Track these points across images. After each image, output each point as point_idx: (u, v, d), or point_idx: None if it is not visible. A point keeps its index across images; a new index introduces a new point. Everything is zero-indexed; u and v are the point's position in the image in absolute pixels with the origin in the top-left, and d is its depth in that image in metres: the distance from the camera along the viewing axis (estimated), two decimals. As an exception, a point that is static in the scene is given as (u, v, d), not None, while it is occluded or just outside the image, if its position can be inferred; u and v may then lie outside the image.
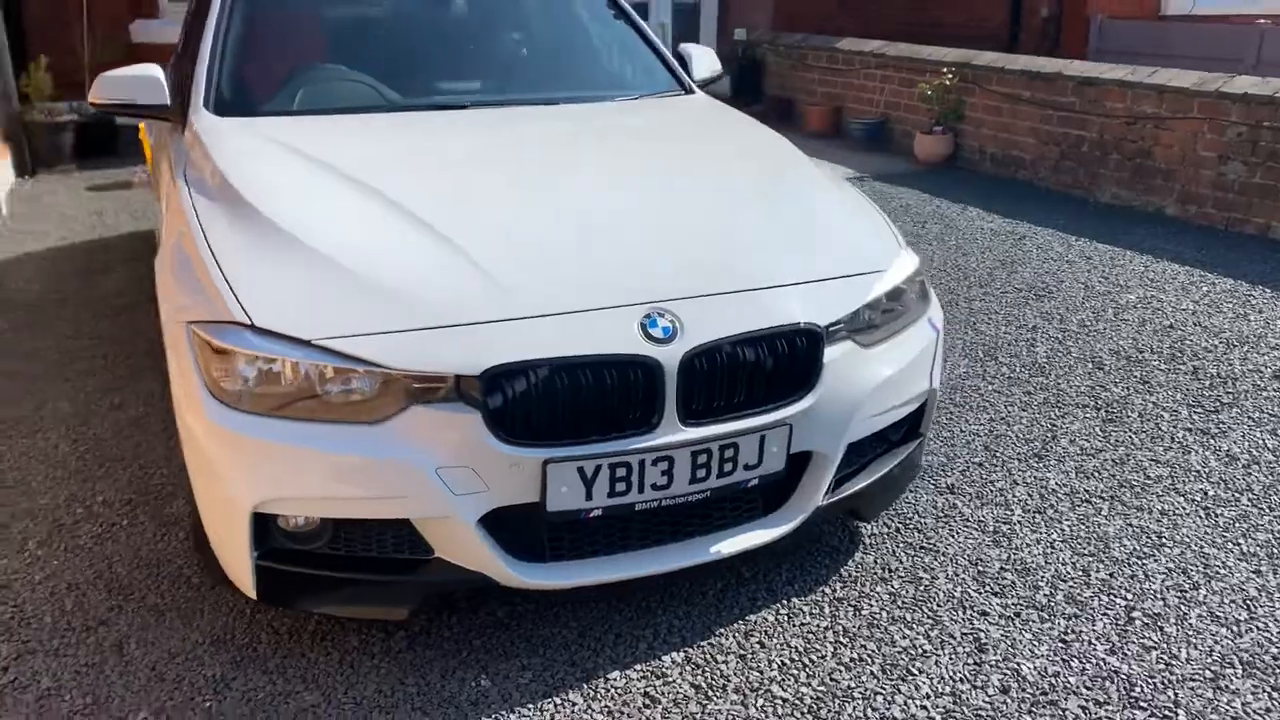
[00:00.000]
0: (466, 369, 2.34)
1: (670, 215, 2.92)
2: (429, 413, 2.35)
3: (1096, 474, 3.54)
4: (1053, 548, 3.11)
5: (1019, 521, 3.25)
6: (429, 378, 2.35)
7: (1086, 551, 3.09)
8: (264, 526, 2.45)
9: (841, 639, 2.70)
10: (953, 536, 3.16)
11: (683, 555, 2.62)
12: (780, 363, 2.58)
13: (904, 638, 2.70)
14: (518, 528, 2.48)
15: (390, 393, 2.36)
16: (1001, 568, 3.01)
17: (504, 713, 2.44)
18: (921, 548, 3.10)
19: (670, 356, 2.44)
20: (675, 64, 4.23)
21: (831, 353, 2.65)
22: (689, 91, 4.14)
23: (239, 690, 2.50)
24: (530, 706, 2.46)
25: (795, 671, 2.58)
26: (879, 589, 2.90)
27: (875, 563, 3.02)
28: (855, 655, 2.63)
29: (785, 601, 2.84)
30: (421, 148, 3.37)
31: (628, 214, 2.91)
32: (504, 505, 2.42)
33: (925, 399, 3.00)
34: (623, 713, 2.44)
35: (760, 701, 2.48)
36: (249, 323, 2.42)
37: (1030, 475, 3.53)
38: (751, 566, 2.97)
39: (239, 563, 2.48)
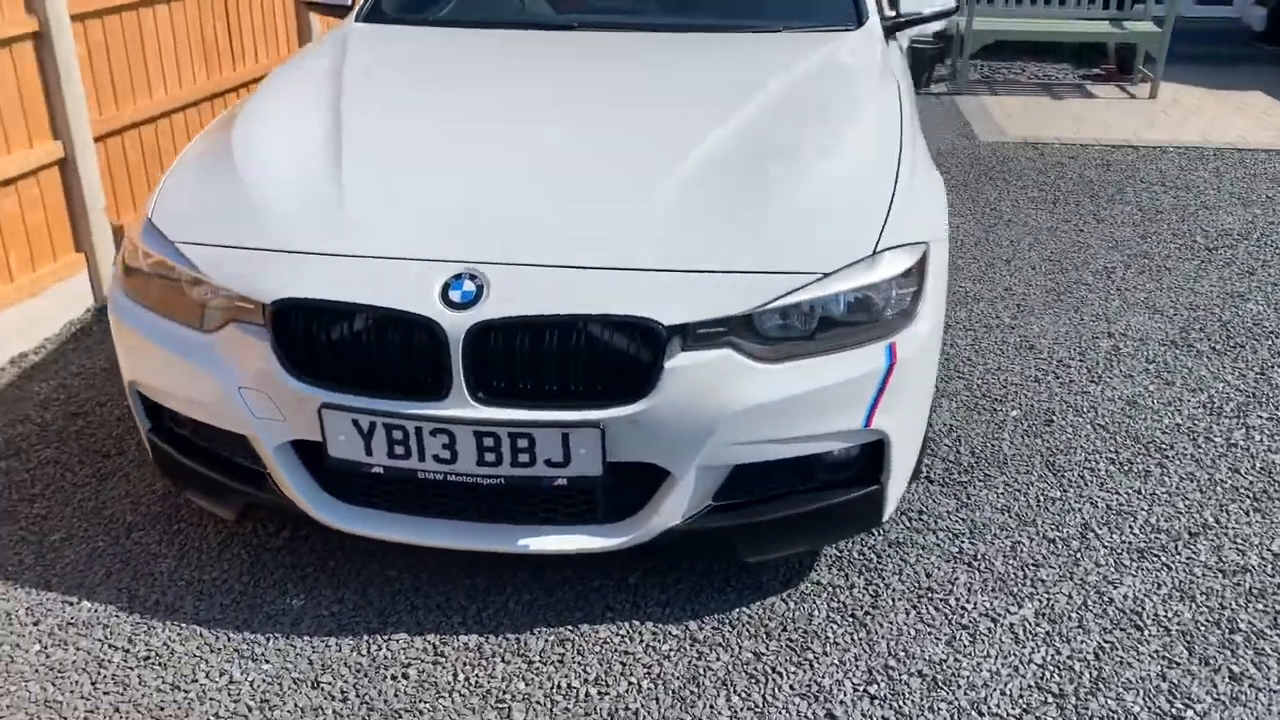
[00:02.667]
0: (265, 296, 2.33)
1: (603, 177, 2.55)
2: (240, 333, 2.38)
3: None
4: None
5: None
6: (242, 298, 2.37)
7: None
8: (153, 403, 2.66)
9: (653, 672, 2.34)
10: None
11: (485, 538, 2.42)
12: (601, 357, 2.24)
13: (727, 705, 2.29)
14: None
15: (218, 306, 2.42)
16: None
17: (297, 629, 2.47)
18: (854, 618, 2.55)
19: (458, 324, 2.22)
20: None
21: (686, 359, 2.24)
22: (858, 26, 3.52)
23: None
24: (322, 634, 2.46)
25: (570, 689, 2.30)
26: (745, 644, 2.46)
27: (788, 614, 2.56)
28: (650, 684, 2.28)
29: (640, 623, 2.51)
30: (482, 72, 3.23)
31: (556, 169, 2.57)
32: (300, 439, 2.39)
33: (875, 441, 2.42)
34: (401, 662, 2.36)
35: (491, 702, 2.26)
36: (148, 216, 2.61)
37: None
38: (664, 584, 2.66)
39: (142, 431, 2.74)
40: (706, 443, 2.28)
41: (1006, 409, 3.46)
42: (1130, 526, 2.87)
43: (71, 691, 2.31)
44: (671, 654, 2.42)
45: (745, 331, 2.29)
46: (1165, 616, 2.54)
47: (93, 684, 2.33)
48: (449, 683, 2.34)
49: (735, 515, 2.43)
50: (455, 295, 2.24)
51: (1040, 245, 4.88)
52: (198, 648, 2.44)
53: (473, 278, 2.26)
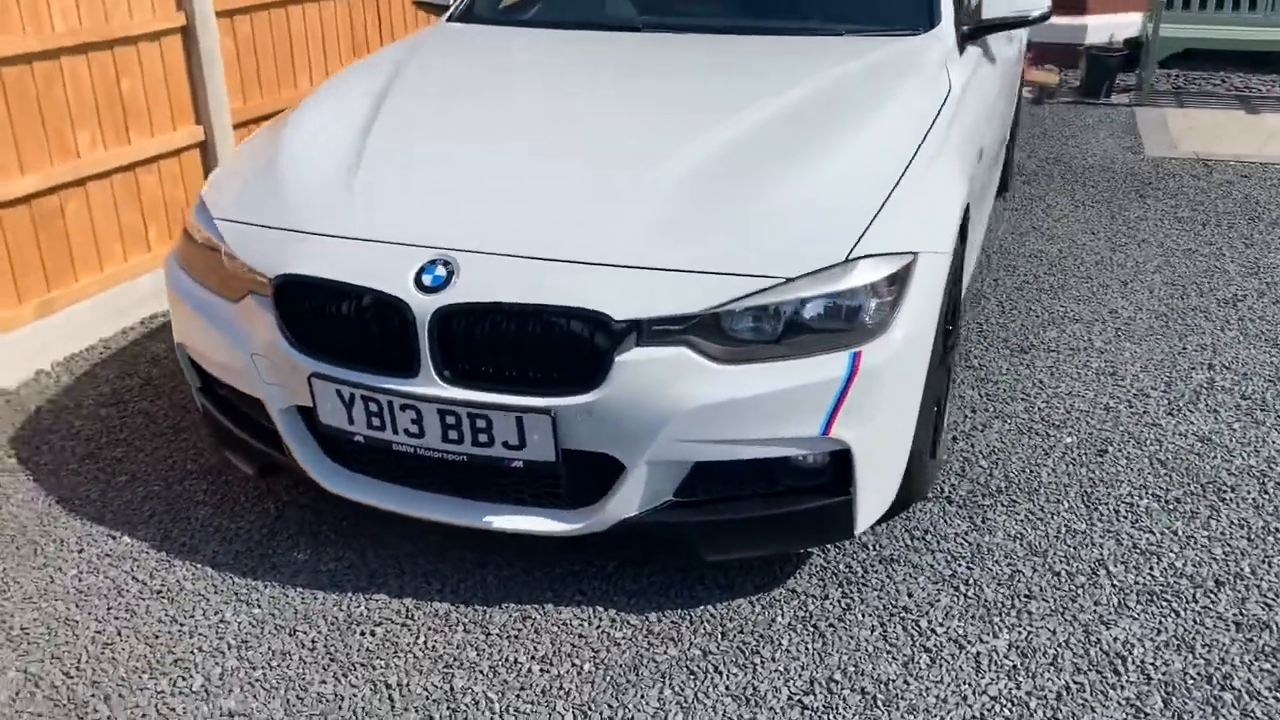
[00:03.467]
0: (271, 271, 2.53)
1: (594, 173, 2.59)
2: (255, 304, 2.60)
3: None
4: None
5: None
6: (256, 271, 2.58)
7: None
8: (198, 364, 2.93)
9: (599, 657, 2.40)
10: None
11: (456, 511, 2.54)
12: (555, 347, 2.31)
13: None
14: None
15: (241, 278, 2.64)
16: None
17: (294, 581, 2.67)
18: (816, 628, 2.52)
19: (426, 307, 2.35)
20: (942, 1, 3.48)
21: (641, 353, 2.29)
22: (928, 29, 3.41)
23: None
24: (314, 587, 2.65)
25: (515, 663, 2.39)
26: (710, 642, 2.48)
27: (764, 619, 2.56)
28: (591, 668, 2.34)
29: (603, 609, 2.57)
30: (528, 72, 3.29)
31: (553, 164, 2.65)
32: (301, 405, 2.59)
33: (838, 451, 2.39)
34: (374, 620, 2.52)
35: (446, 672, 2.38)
36: (201, 193, 2.88)
37: None
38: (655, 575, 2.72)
39: (192, 389, 3.02)
40: (657, 438, 2.32)
41: (1061, 435, 3.29)
42: (1150, 568, 2.69)
43: (89, 614, 2.59)
44: (622, 641, 2.47)
45: (705, 331, 2.31)
46: (1151, 665, 2.38)
47: (108, 609, 2.61)
48: (409, 644, 2.48)
49: (696, 512, 2.46)
50: (427, 279, 2.37)
51: (1169, 268, 4.57)
52: (205, 587, 2.67)
53: (445, 264, 2.39)
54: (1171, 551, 2.76)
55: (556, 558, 2.74)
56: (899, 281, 2.41)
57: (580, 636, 2.49)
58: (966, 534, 2.83)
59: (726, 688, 2.34)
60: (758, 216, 2.44)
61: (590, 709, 2.29)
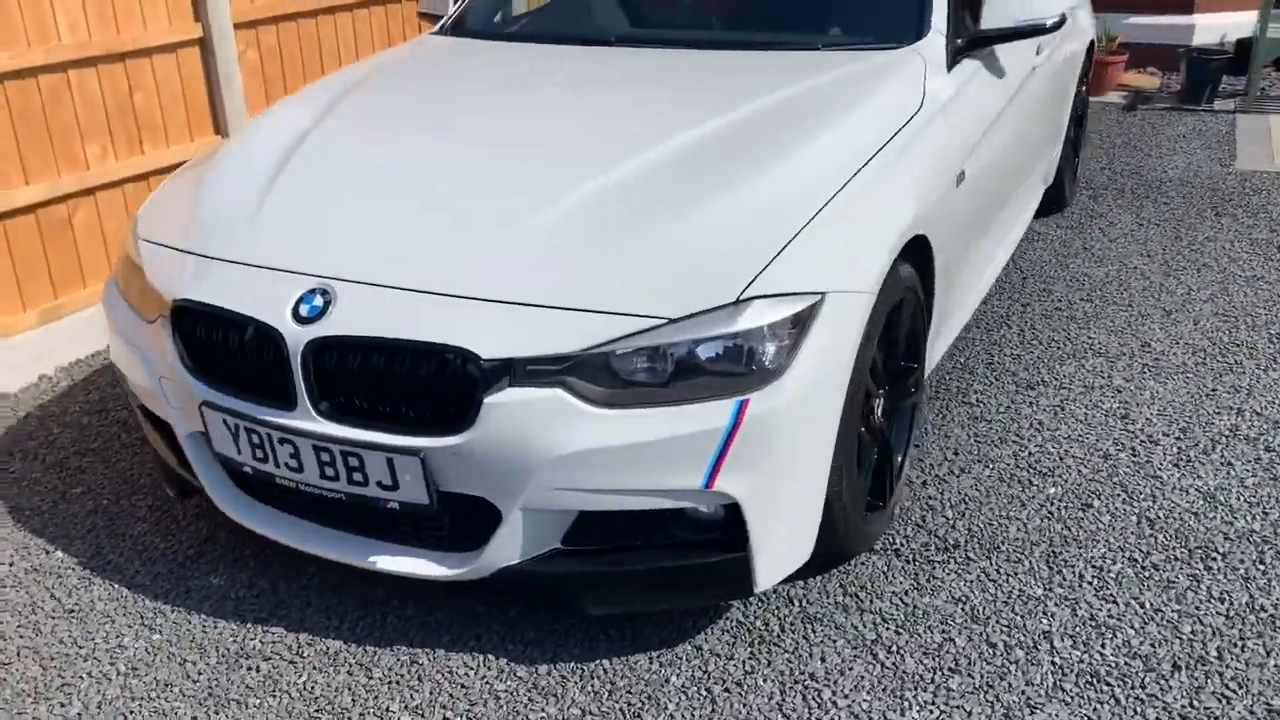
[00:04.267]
0: (170, 294, 2.50)
1: (494, 203, 2.46)
2: (162, 327, 2.57)
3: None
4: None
5: None
6: (160, 293, 2.56)
7: None
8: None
9: (474, 711, 2.29)
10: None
11: (344, 550, 2.46)
12: (424, 384, 2.21)
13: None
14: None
15: (154, 300, 2.62)
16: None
17: (200, 607, 2.65)
18: (709, 692, 2.35)
19: (299, 338, 2.27)
20: (932, 11, 3.21)
21: (513, 395, 2.16)
22: (914, 42, 3.15)
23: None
24: (217, 615, 2.62)
25: (387, 711, 2.30)
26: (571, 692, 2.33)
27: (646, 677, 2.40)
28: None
29: (495, 658, 2.46)
30: (475, 91, 3.17)
31: (457, 193, 2.52)
32: (202, 431, 2.55)
33: (730, 505, 2.22)
34: (263, 655, 2.48)
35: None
36: (137, 215, 2.88)
37: None
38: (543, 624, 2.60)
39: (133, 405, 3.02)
40: (529, 484, 2.19)
41: (1044, 485, 3.01)
42: (1102, 645, 2.42)
43: (-2, 631, 2.62)
44: (502, 695, 2.35)
45: (585, 372, 2.17)
46: (1069, 759, 2.14)
47: (17, 627, 2.62)
48: (289, 683, 2.41)
49: (583, 562, 2.32)
50: (304, 309, 2.30)
51: (1224, 297, 4.18)
52: (115, 609, 2.67)
53: (324, 294, 2.31)
54: (1131, 627, 2.48)
55: (462, 599, 2.64)
56: (801, 324, 2.22)
57: (462, 686, 2.38)
58: (905, 594, 2.61)
59: (593, 754, 2.20)
60: (651, 252, 2.28)
61: (448, 767, 2.18)
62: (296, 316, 2.29)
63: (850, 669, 2.39)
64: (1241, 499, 2.93)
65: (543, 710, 2.31)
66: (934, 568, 2.70)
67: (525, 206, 2.42)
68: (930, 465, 3.13)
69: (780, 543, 2.32)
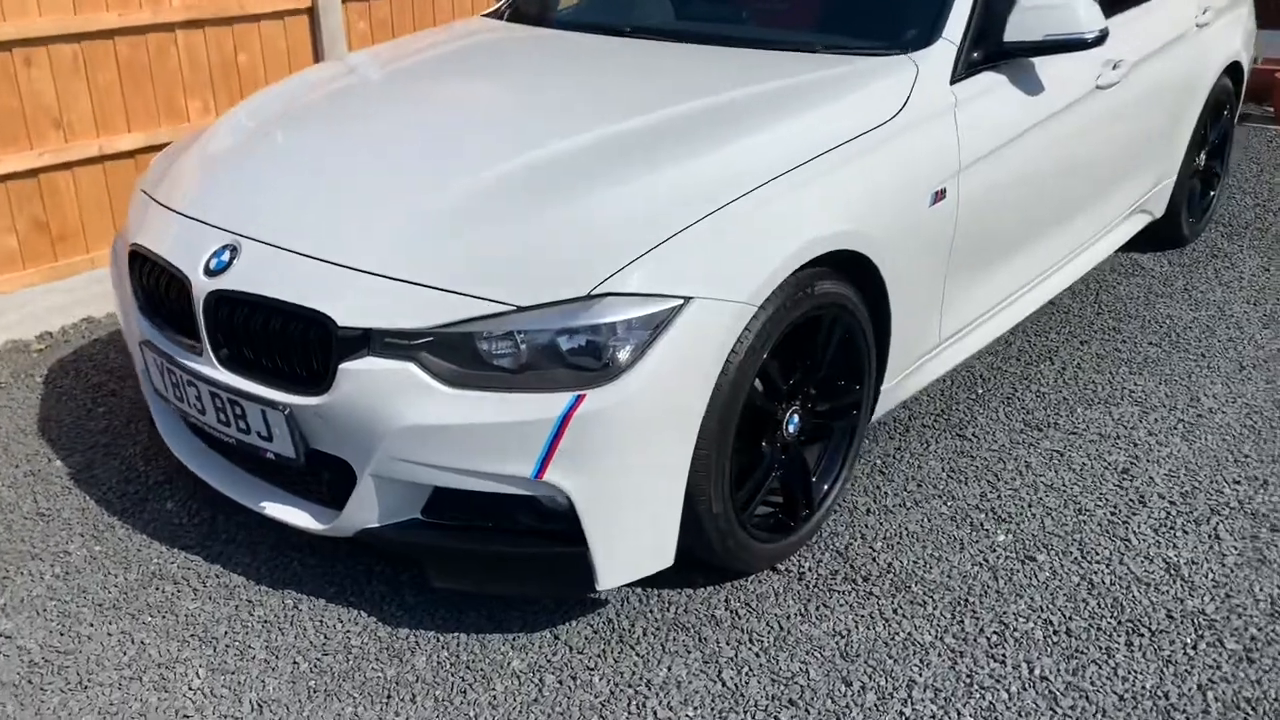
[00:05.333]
0: (132, 237, 2.73)
1: (409, 178, 2.53)
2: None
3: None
4: None
5: None
6: (127, 238, 2.79)
7: None
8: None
9: (309, 657, 2.40)
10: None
11: (244, 491, 2.63)
12: (294, 344, 2.32)
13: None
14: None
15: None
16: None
17: (139, 525, 2.88)
18: (539, 687, 2.36)
19: (203, 288, 2.43)
20: (947, 19, 3.02)
21: (369, 363, 2.24)
22: (919, 49, 2.97)
23: None
24: (151, 536, 2.84)
25: (245, 648, 2.45)
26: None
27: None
28: (298, 666, 2.36)
29: (366, 614, 2.56)
30: (455, 70, 3.24)
31: (381, 165, 2.60)
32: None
33: (561, 496, 2.22)
34: (167, 578, 2.69)
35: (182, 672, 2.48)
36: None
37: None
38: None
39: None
40: (376, 452, 2.27)
41: (996, 531, 2.82)
42: (962, 704, 2.27)
43: (-22, 522, 2.94)
44: (354, 650, 2.44)
45: (440, 350, 2.22)
46: (862, 813, 2.02)
47: (-8, 522, 2.94)
48: (182, 608, 2.59)
49: (437, 535, 2.39)
50: (213, 263, 2.45)
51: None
52: (77, 518, 2.94)
53: (233, 249, 2.46)
54: (1007, 691, 2.30)
55: (365, 556, 2.75)
56: (656, 325, 2.19)
57: (324, 637, 2.49)
58: (788, 618, 2.52)
59: (401, 718, 2.26)
60: (522, 239, 2.30)
61: (269, 707, 2.29)
62: (207, 268, 2.46)
63: (689, 683, 2.34)
64: (1209, 578, 2.65)
65: (381, 670, 2.39)
66: (832, 596, 2.59)
67: (429, 185, 2.48)
68: (887, 494, 2.98)
69: (625, 543, 2.30)
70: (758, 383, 2.49)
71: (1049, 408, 3.43)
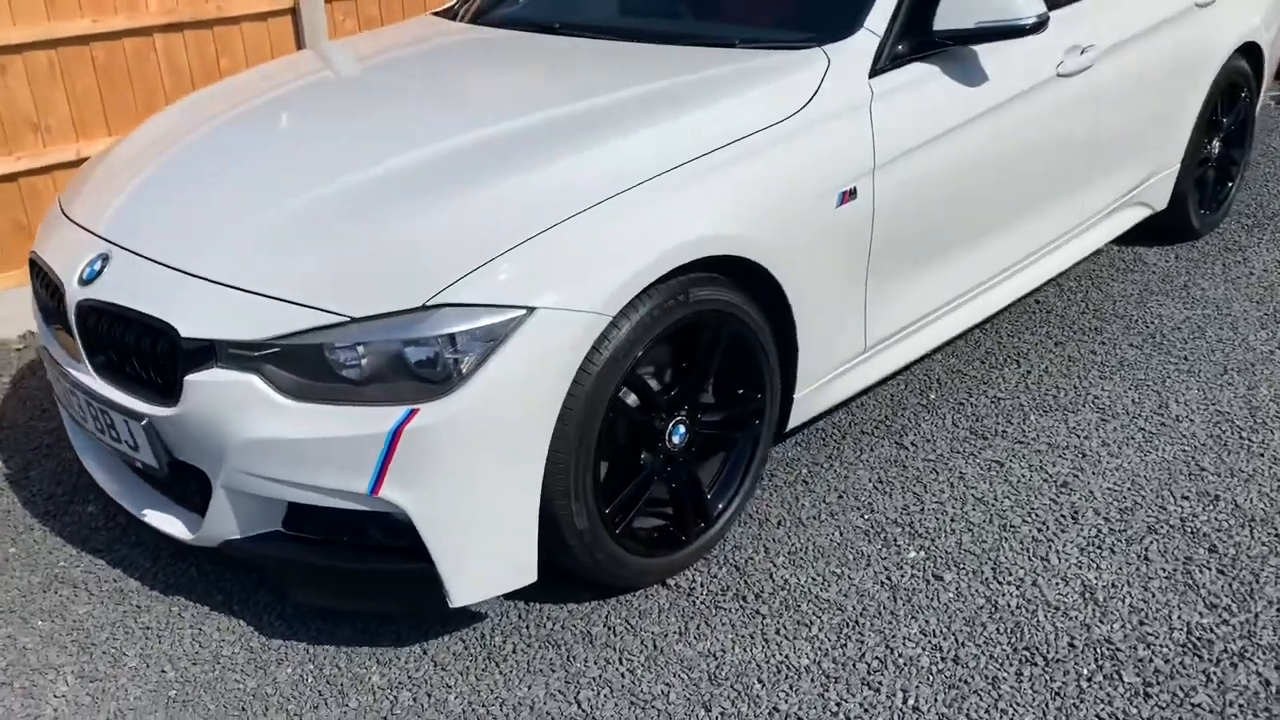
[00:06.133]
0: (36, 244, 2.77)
1: (277, 180, 2.50)
2: (36, 275, 2.85)
3: None
4: None
5: None
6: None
7: None
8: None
9: (154, 648, 2.40)
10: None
11: (130, 496, 2.64)
12: (148, 355, 2.32)
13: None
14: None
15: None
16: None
17: (56, 527, 2.93)
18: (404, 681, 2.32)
19: (74, 297, 2.44)
20: (870, 9, 2.85)
21: (215, 375, 2.22)
22: (837, 40, 2.82)
23: None
24: (63, 538, 2.89)
25: (117, 654, 2.46)
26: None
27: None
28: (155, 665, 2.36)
29: (242, 622, 2.55)
30: (376, 69, 3.20)
31: (262, 174, 2.56)
32: (54, 372, 2.81)
33: (399, 512, 2.17)
34: (67, 582, 2.72)
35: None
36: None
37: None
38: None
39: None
40: (223, 464, 2.25)
41: (909, 548, 2.68)
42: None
43: (-90, 522, 3.02)
44: (223, 659, 2.43)
45: (283, 361, 2.19)
46: None
47: (-78, 521, 3.02)
48: (71, 612, 2.61)
49: (296, 549, 2.36)
50: (86, 271, 2.46)
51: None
52: (2, 519, 3.00)
53: (105, 258, 2.46)
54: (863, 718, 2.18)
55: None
56: (495, 337, 2.12)
57: (198, 645, 2.49)
58: (664, 636, 2.43)
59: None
60: (366, 248, 2.25)
61: (124, 717, 2.30)
62: (81, 277, 2.47)
63: (544, 705, 2.27)
64: (1127, 603, 2.47)
65: (243, 682, 2.37)
66: (716, 614, 2.49)
67: (284, 195, 2.43)
68: (804, 505, 2.86)
69: (477, 559, 2.24)
70: (630, 393, 2.41)
71: (1002, 415, 3.26)
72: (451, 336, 2.11)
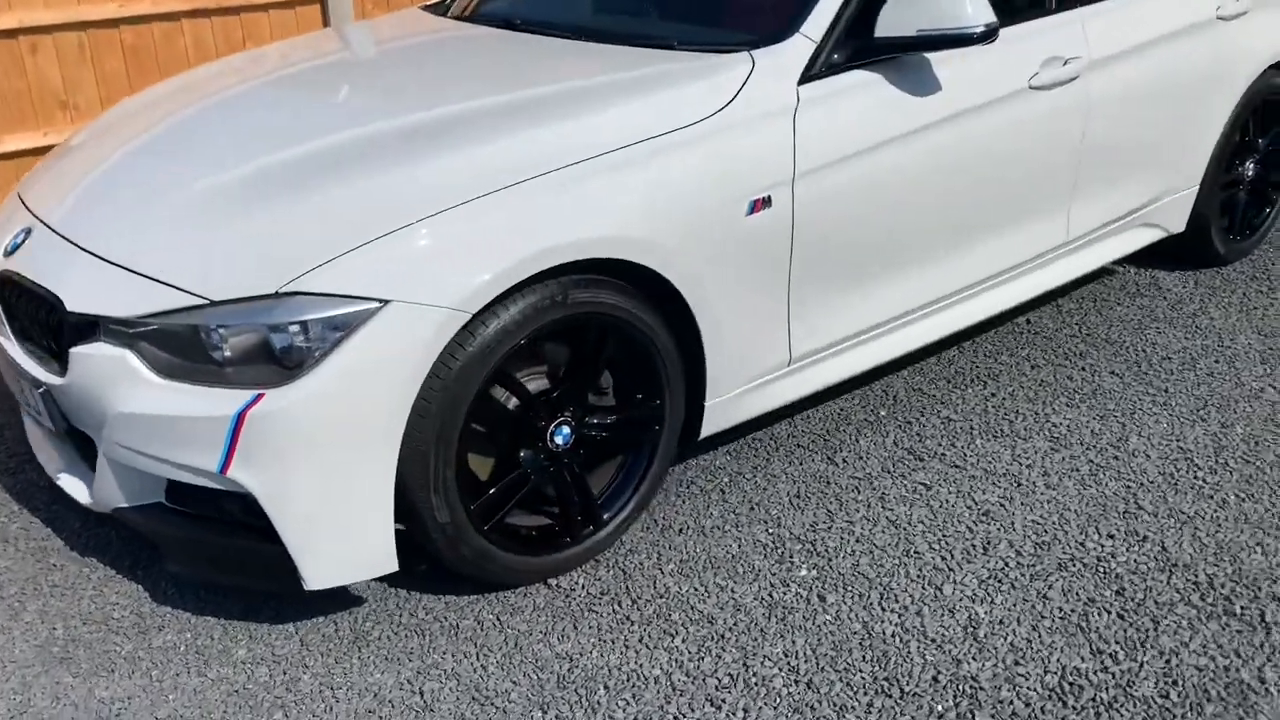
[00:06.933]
0: (-13, 219, 2.92)
1: (194, 165, 2.57)
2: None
3: None
4: None
5: None
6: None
7: None
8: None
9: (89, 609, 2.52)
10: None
11: (50, 459, 2.74)
12: (46, 324, 2.43)
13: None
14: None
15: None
16: None
17: (24, 498, 3.09)
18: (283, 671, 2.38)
19: (-1, 267, 2.58)
20: (809, 15, 2.78)
21: (98, 349, 2.31)
22: (771, 44, 2.75)
23: None
24: (33, 507, 3.04)
25: (68, 628, 2.59)
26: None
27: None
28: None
29: (154, 592, 2.65)
30: (332, 59, 3.24)
31: (188, 155, 2.64)
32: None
33: (245, 491, 2.22)
34: (30, 542, 2.88)
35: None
36: None
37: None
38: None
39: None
40: (102, 435, 2.34)
41: (802, 566, 2.62)
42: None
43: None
44: (113, 621, 2.53)
45: (158, 339, 2.27)
46: None
47: (-104, 470, 3.22)
48: (39, 578, 2.75)
49: (175, 521, 2.43)
50: (9, 243, 2.59)
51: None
52: (-35, 476, 3.18)
53: (28, 232, 2.58)
54: (702, 740, 2.14)
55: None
56: (344, 327, 2.15)
57: (94, 608, 2.59)
58: (529, 635, 2.43)
59: (105, 691, 2.32)
60: (240, 232, 2.31)
61: (3, 668, 2.41)
62: (6, 249, 2.60)
63: (388, 693, 2.30)
64: (1008, 641, 2.37)
65: (120, 645, 2.46)
66: (587, 617, 2.48)
67: (184, 181, 2.51)
68: (713, 514, 2.82)
69: (329, 545, 2.28)
70: (506, 391, 2.41)
71: (947, 437, 3.15)
72: (304, 324, 2.15)
